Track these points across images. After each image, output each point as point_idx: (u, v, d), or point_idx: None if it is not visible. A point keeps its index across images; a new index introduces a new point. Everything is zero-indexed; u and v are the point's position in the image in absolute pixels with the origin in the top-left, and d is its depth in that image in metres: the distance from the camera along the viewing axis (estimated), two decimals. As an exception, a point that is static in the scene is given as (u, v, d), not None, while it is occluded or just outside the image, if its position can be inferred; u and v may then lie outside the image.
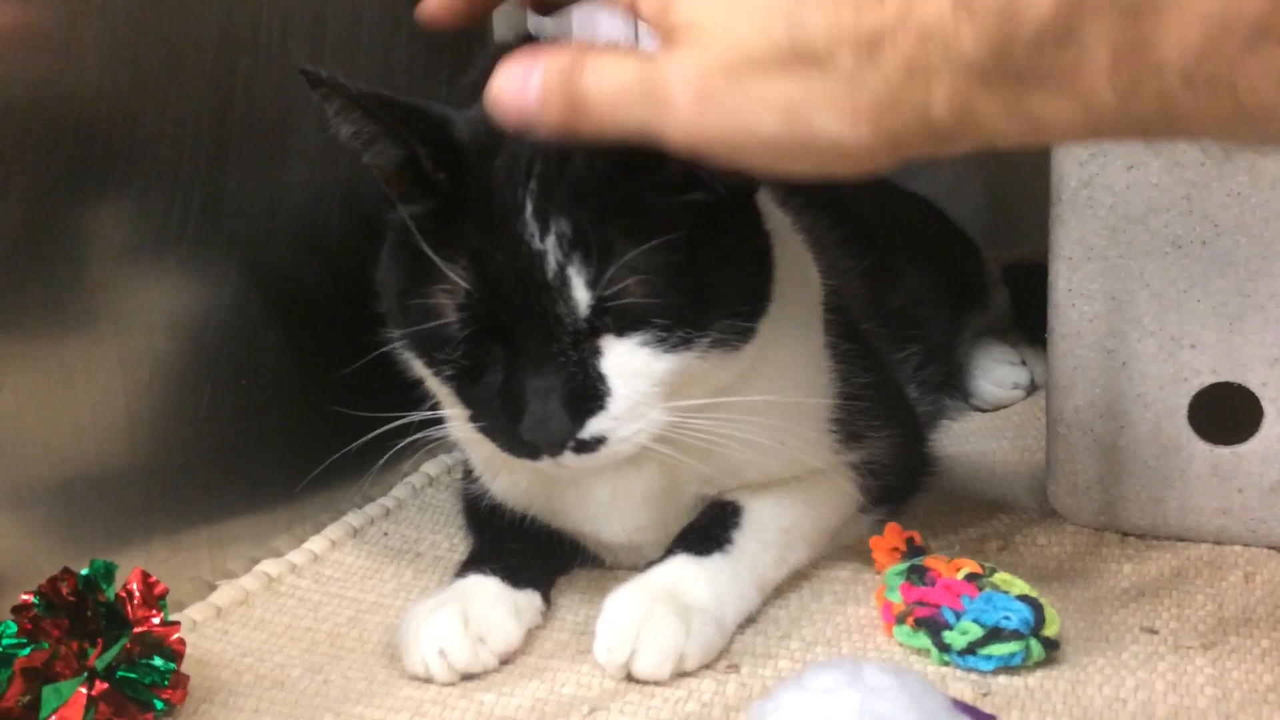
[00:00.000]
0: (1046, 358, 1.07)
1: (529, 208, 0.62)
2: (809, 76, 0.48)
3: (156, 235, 0.75)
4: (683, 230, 0.63)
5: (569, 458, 0.64)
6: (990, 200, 1.43)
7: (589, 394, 0.63)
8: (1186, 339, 0.75)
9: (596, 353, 0.63)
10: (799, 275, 0.76)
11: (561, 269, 0.62)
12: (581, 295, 0.62)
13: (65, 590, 0.61)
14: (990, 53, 0.46)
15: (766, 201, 0.74)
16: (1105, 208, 0.75)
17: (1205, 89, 0.42)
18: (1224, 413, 0.76)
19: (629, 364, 0.63)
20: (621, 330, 0.63)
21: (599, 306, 0.62)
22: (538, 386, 0.63)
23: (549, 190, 0.62)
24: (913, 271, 1.03)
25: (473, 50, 1.06)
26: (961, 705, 0.50)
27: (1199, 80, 0.42)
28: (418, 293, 0.65)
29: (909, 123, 0.48)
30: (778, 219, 0.76)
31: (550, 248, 0.61)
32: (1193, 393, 0.76)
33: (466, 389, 0.66)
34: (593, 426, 0.64)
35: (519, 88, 0.55)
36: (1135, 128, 0.46)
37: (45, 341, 0.68)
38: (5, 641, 0.59)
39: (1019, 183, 1.37)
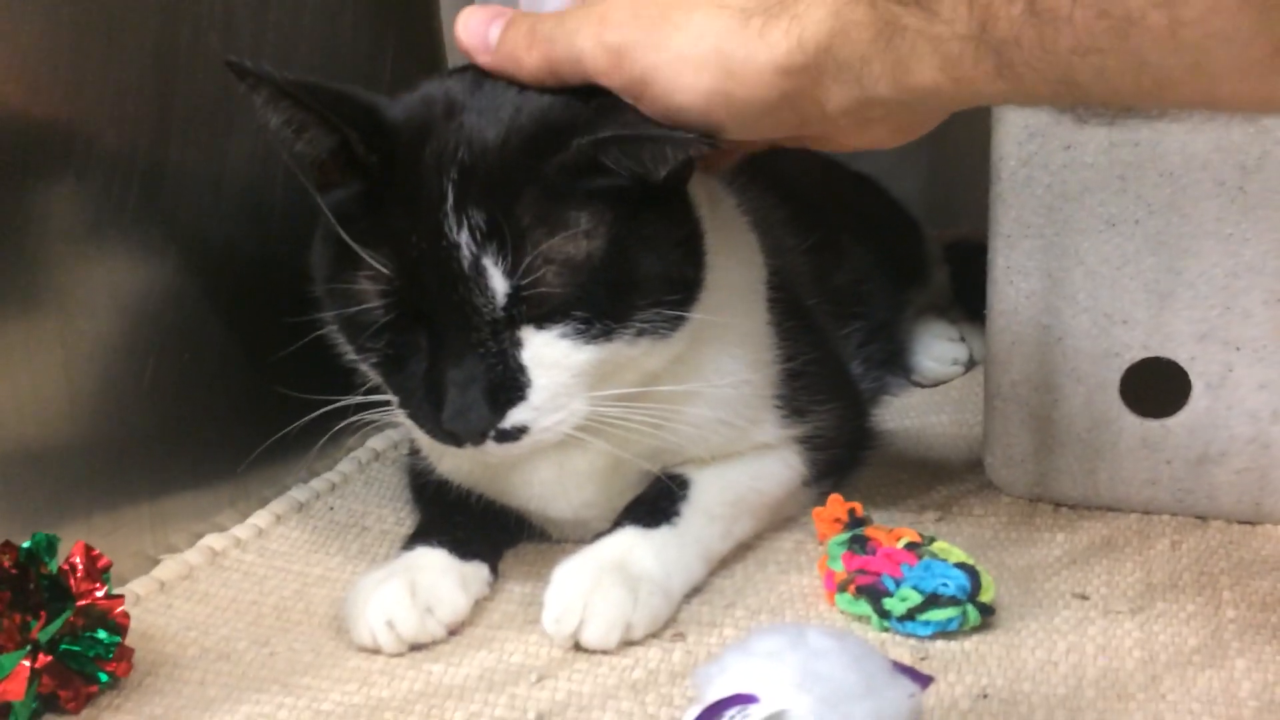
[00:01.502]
0: (985, 334, 1.11)
1: (450, 198, 0.63)
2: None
3: (97, 211, 0.74)
4: (602, 220, 0.63)
5: (491, 447, 0.65)
6: (930, 179, 1.44)
7: (509, 385, 0.64)
8: (1119, 315, 0.77)
9: (517, 344, 0.64)
10: (741, 256, 0.77)
11: (477, 260, 0.62)
12: (498, 285, 0.63)
13: (7, 563, 0.60)
14: None
15: (707, 186, 0.74)
16: (1043, 186, 0.77)
17: (1049, 21, 0.49)
18: (1154, 387, 0.79)
19: (549, 355, 0.64)
20: (541, 322, 0.64)
21: (516, 297, 0.63)
22: (457, 376, 0.64)
23: (468, 180, 0.63)
24: (856, 249, 1.05)
25: (416, 30, 1.06)
26: (900, 666, 0.51)
27: (1043, 12, 0.49)
28: (342, 277, 0.66)
29: (792, 39, 0.56)
30: (720, 200, 0.77)
31: (464, 240, 0.62)
32: (1124, 367, 0.78)
33: (392, 376, 0.67)
34: (513, 417, 0.65)
35: (482, 26, 0.65)
36: (997, 59, 0.51)
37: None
38: (-55, 615, 0.58)
39: (959, 162, 1.38)
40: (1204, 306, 0.75)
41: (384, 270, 0.63)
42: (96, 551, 0.63)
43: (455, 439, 0.65)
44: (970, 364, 1.11)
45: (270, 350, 0.80)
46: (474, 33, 0.66)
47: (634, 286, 0.65)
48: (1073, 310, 0.78)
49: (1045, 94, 0.52)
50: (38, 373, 0.70)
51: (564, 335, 0.64)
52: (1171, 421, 0.78)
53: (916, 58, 0.54)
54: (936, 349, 1.11)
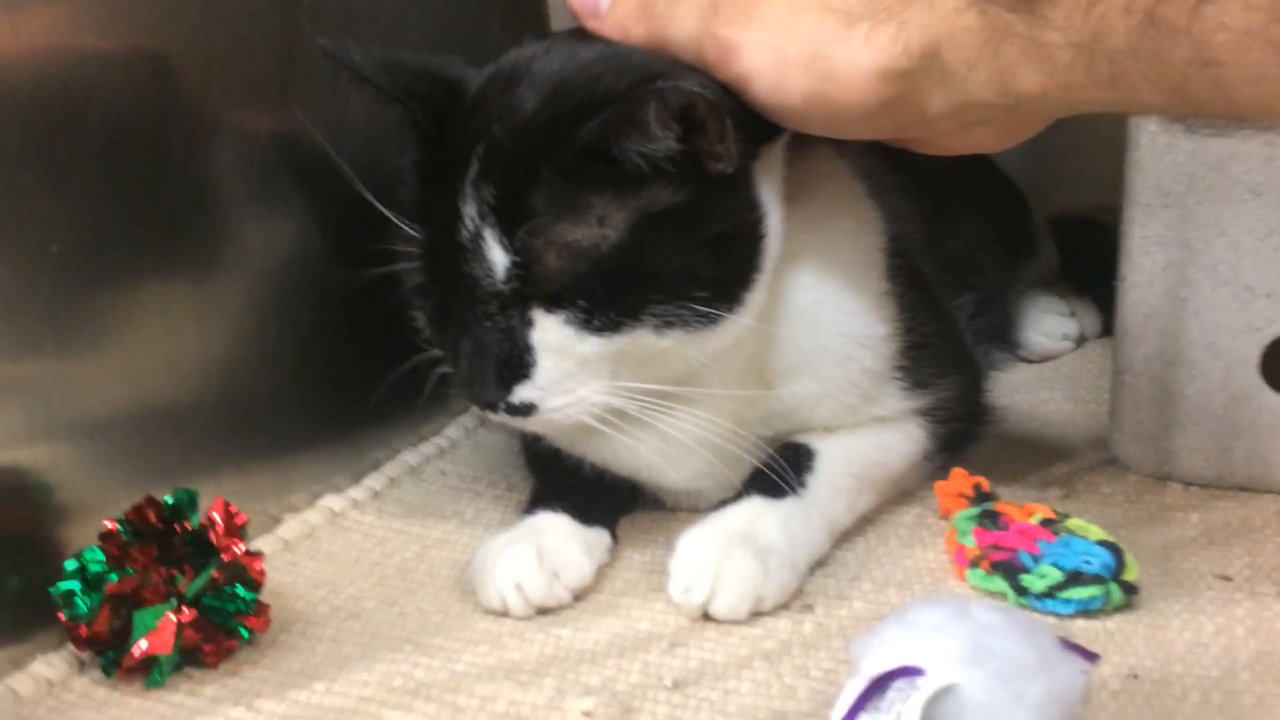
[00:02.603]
0: (1094, 309, 1.09)
1: (472, 171, 0.63)
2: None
3: (225, 175, 0.74)
4: (622, 209, 0.63)
5: (505, 417, 0.66)
6: (1031, 155, 1.41)
7: (515, 362, 0.65)
8: (1261, 288, 0.75)
9: (528, 322, 0.64)
10: (854, 226, 0.75)
11: (478, 233, 0.63)
12: (497, 259, 0.63)
13: (152, 517, 0.60)
14: None
15: (816, 160, 0.72)
16: (1184, 154, 0.74)
17: (1166, 32, 0.48)
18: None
19: (554, 340, 0.64)
20: (549, 305, 0.64)
21: (515, 274, 0.63)
22: (467, 346, 0.65)
23: (492, 155, 0.63)
24: (968, 219, 1.02)
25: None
26: (1068, 643, 0.50)
27: (1160, 23, 0.48)
28: (400, 237, 0.68)
29: (898, 44, 0.56)
30: (833, 170, 0.75)
31: (470, 213, 0.63)
32: (1265, 342, 0.76)
33: (435, 334, 0.70)
34: (519, 394, 0.65)
35: None
36: (1106, 66, 0.51)
37: (122, 279, 0.68)
38: (93, 568, 0.59)
39: (1059, 136, 1.36)
40: (1354, 280, 0.72)
41: (415, 235, 0.66)
42: (234, 508, 0.63)
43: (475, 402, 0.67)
44: (1080, 340, 1.08)
45: (387, 314, 0.81)
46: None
47: (648, 282, 0.63)
48: (1212, 282, 0.76)
49: (1158, 104, 0.53)
50: (172, 335, 0.71)
51: (568, 322, 0.64)
52: (1314, 400, 0.75)
53: (1025, 64, 0.53)
54: (1046, 324, 1.08)
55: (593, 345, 0.64)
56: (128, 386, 0.69)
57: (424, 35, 0.91)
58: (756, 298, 0.67)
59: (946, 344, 0.81)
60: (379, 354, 0.79)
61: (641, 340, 0.64)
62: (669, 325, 0.64)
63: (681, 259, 0.64)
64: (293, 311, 0.79)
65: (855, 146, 0.82)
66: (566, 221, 0.62)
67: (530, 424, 0.67)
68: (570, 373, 0.65)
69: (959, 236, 0.99)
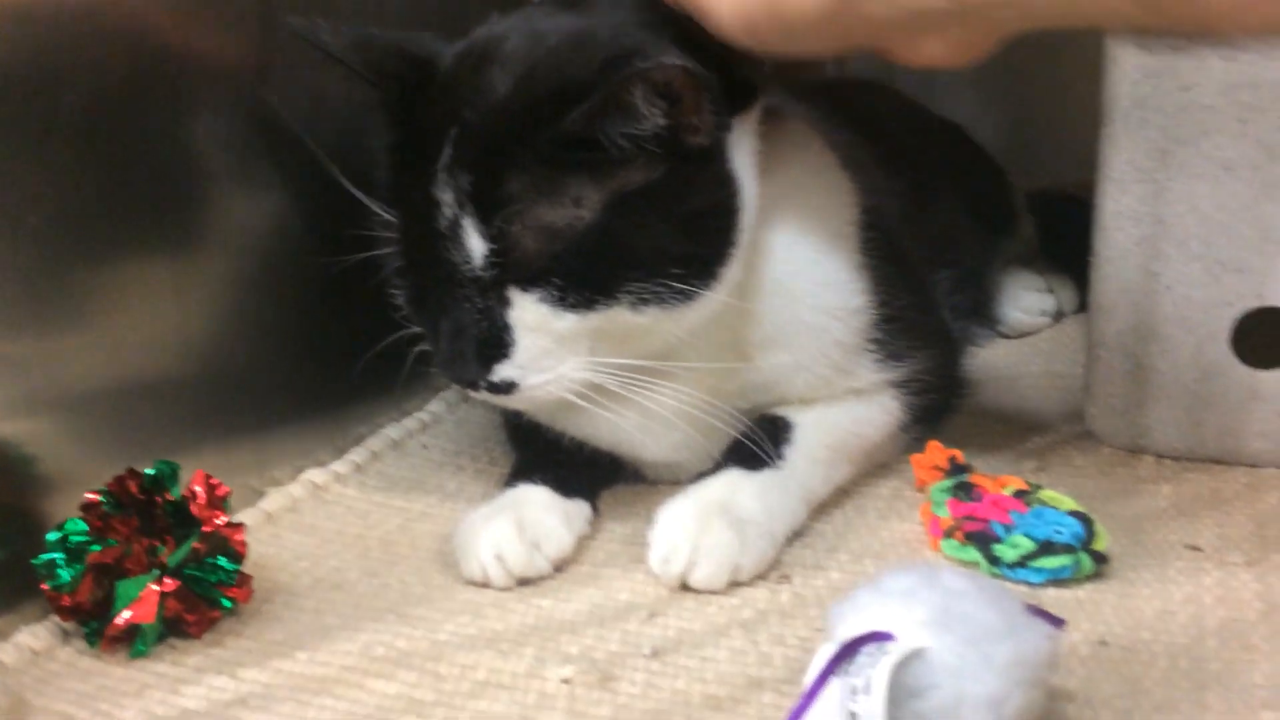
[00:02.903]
0: (1072, 285, 1.10)
1: (446, 156, 0.64)
2: None
3: (205, 150, 0.74)
4: (597, 190, 0.63)
5: (486, 395, 0.67)
6: (1010, 130, 1.42)
7: (494, 341, 0.65)
8: (1233, 263, 0.76)
9: (505, 302, 0.65)
10: (825, 200, 0.76)
11: (456, 220, 0.64)
12: (476, 247, 0.64)
13: (133, 488, 0.61)
14: None
15: (786, 132, 0.73)
16: (1157, 129, 0.75)
17: None
18: (1265, 337, 0.77)
19: (530, 318, 0.65)
20: (524, 284, 0.64)
21: (494, 260, 0.64)
22: (447, 326, 0.66)
23: (466, 139, 0.64)
24: (946, 195, 1.03)
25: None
26: (1034, 609, 0.51)
27: None
28: (377, 221, 0.68)
29: None
30: (805, 143, 0.76)
31: (447, 199, 0.64)
32: (1236, 317, 0.77)
33: (415, 314, 0.70)
34: (499, 372, 0.66)
35: None
36: None
37: (102, 252, 0.68)
38: (75, 539, 0.59)
39: (1039, 113, 1.37)
40: (1324, 255, 0.73)
41: (389, 218, 0.67)
42: (215, 480, 0.64)
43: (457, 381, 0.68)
44: (1058, 315, 1.10)
45: (370, 288, 0.81)
46: None
47: (623, 260, 0.64)
48: (1184, 257, 0.77)
49: (1127, 11, 0.50)
50: (153, 308, 0.71)
51: (543, 300, 0.64)
52: (1284, 373, 0.76)
53: None
54: (1025, 300, 1.09)
55: (568, 322, 0.65)
56: (109, 360, 0.69)
57: (402, 7, 0.90)
58: (732, 272, 0.67)
59: (921, 316, 0.82)
60: (362, 328, 0.79)
61: (618, 317, 0.65)
62: (645, 302, 0.65)
63: (656, 237, 0.65)
64: (275, 285, 0.80)
65: (833, 118, 0.83)
66: (543, 205, 0.63)
67: (511, 401, 0.68)
68: (548, 350, 0.66)
69: (938, 212, 1.00)
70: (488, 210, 0.63)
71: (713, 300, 0.67)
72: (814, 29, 0.59)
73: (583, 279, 0.64)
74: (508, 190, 0.63)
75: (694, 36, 0.64)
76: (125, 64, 0.68)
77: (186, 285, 0.73)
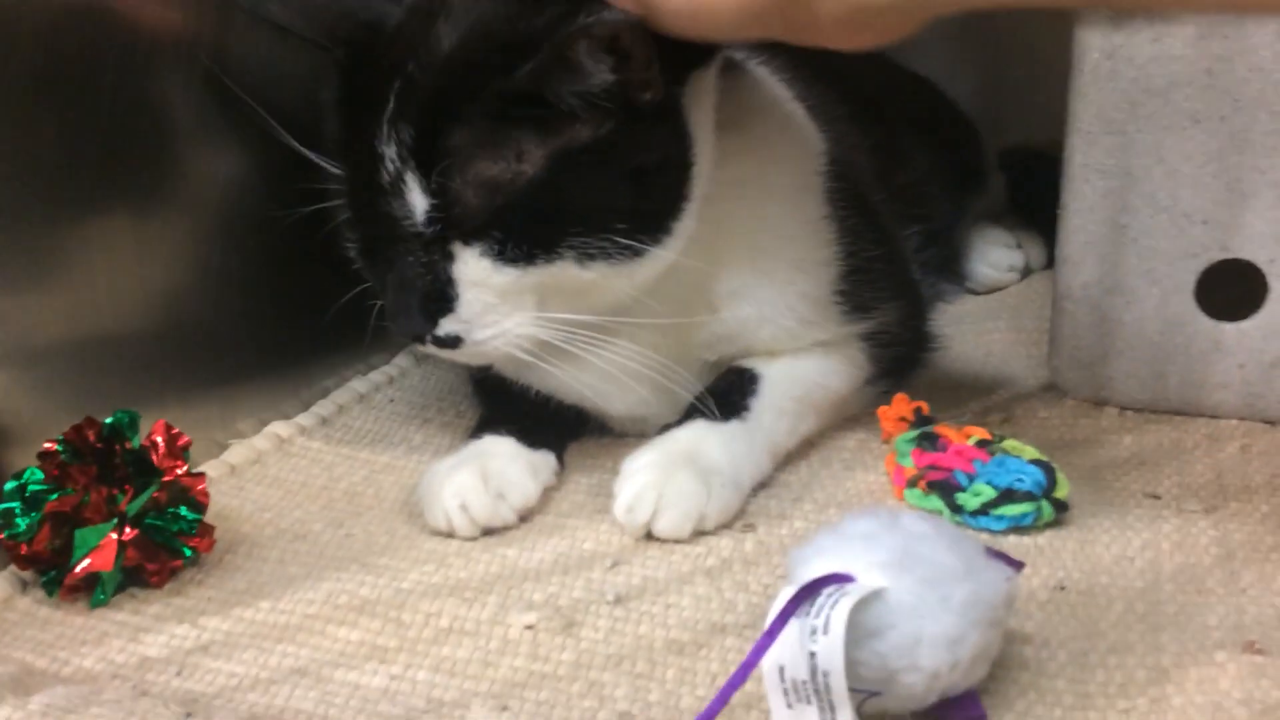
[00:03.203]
0: (1041, 241, 1.10)
1: (389, 109, 0.63)
2: None
3: (163, 103, 0.73)
4: (541, 145, 0.62)
5: (433, 349, 0.67)
6: (982, 87, 1.42)
7: (437, 295, 0.65)
8: (1199, 215, 0.76)
9: (449, 257, 0.65)
10: (791, 151, 0.75)
11: (399, 174, 0.63)
12: (418, 202, 0.63)
13: (91, 436, 0.60)
14: None
15: (751, 83, 0.72)
16: (1127, 80, 0.75)
17: None
18: (1228, 289, 0.77)
19: (473, 272, 0.65)
20: (467, 239, 0.64)
21: (436, 215, 0.63)
22: (393, 280, 0.66)
23: (409, 93, 0.63)
24: (917, 151, 1.03)
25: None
26: (993, 552, 0.51)
27: None
28: (326, 175, 0.68)
29: None
30: (771, 94, 0.75)
31: (390, 153, 0.63)
32: (1201, 269, 0.77)
33: (365, 266, 0.70)
34: (444, 326, 0.66)
35: None
36: None
37: (60, 205, 0.67)
38: (33, 487, 0.59)
39: (1009, 70, 1.37)
40: (1288, 207, 0.74)
41: (337, 172, 0.66)
42: (176, 430, 0.63)
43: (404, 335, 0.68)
44: (1026, 271, 1.10)
45: (332, 240, 0.80)
46: None
47: (565, 215, 0.64)
48: (1151, 210, 0.77)
49: None
50: (113, 262, 0.70)
51: (484, 254, 0.64)
52: (1247, 324, 0.77)
53: None
54: (993, 255, 1.10)
55: (509, 276, 0.64)
56: (69, 314, 0.68)
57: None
58: (685, 226, 0.67)
59: (889, 269, 0.82)
60: (327, 281, 0.79)
61: (565, 272, 0.65)
62: (591, 257, 0.64)
63: (600, 192, 0.64)
64: (239, 238, 0.79)
65: (801, 71, 0.82)
66: (485, 159, 0.63)
67: (459, 355, 0.68)
68: (492, 305, 0.66)
69: (908, 167, 1.00)
70: (428, 163, 0.63)
71: (662, 256, 0.66)
72: (758, 23, 0.58)
73: (524, 233, 0.63)
74: (449, 144, 0.62)
75: None
76: (81, 18, 0.67)
77: (148, 239, 0.73)
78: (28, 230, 0.65)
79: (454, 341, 0.66)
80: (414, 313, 0.66)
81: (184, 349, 0.76)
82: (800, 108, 0.78)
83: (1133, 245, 0.78)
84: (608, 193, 0.64)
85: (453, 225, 0.64)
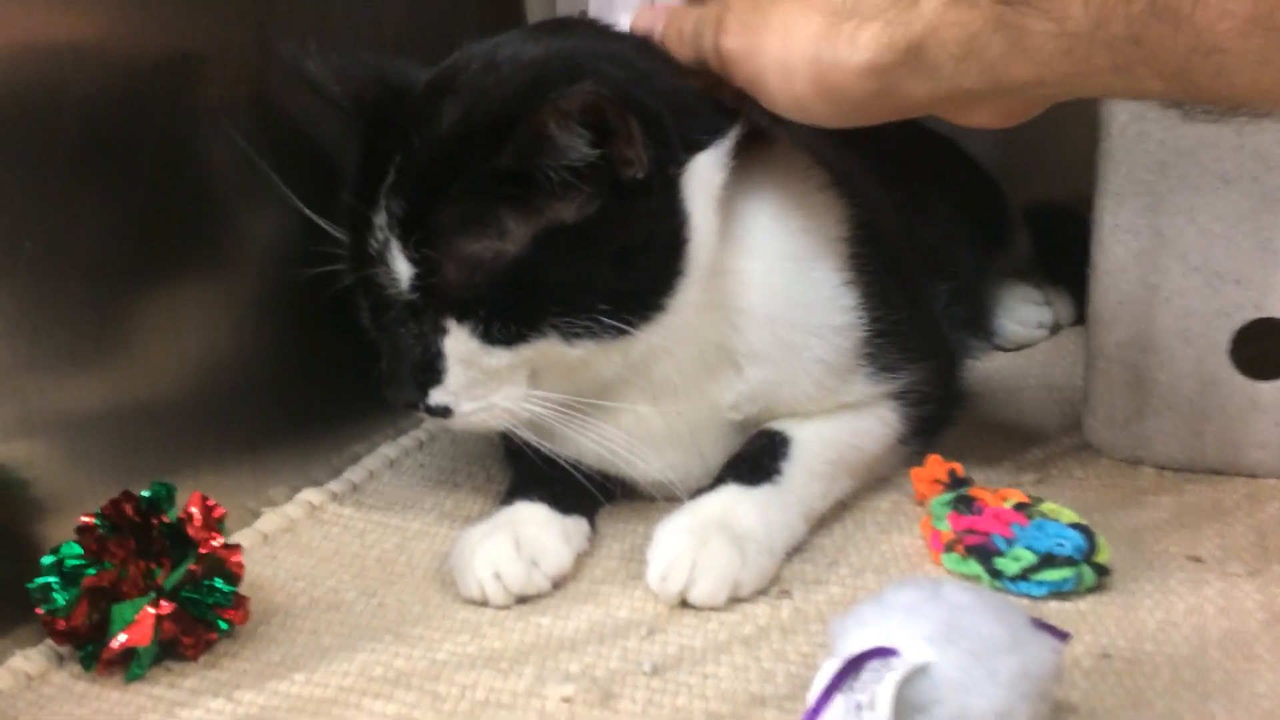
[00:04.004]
0: (1068, 297, 1.10)
1: (388, 181, 0.65)
2: (807, 3, 0.60)
3: (202, 171, 0.74)
4: (526, 224, 0.63)
5: (427, 417, 0.69)
6: (1001, 143, 1.42)
7: (427, 367, 0.67)
8: (1231, 274, 0.76)
9: (441, 330, 0.66)
10: (810, 217, 0.75)
11: (385, 244, 0.65)
12: (402, 270, 0.65)
13: (129, 510, 0.60)
14: None
15: (766, 155, 0.73)
16: (1155, 142, 0.75)
17: (1169, 20, 0.49)
18: (1264, 348, 0.77)
19: (461, 350, 0.66)
20: (459, 315, 0.65)
21: (418, 285, 0.65)
22: (389, 348, 0.68)
23: (407, 166, 0.65)
24: (943, 209, 1.03)
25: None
26: (1038, 622, 0.50)
27: (1163, 11, 0.49)
28: (331, 240, 0.71)
29: (881, 41, 0.57)
30: (788, 164, 0.75)
31: (380, 223, 0.65)
32: (1235, 328, 0.77)
33: (372, 334, 0.71)
34: (434, 397, 0.68)
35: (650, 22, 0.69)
36: (1106, 54, 0.51)
37: (98, 275, 0.67)
38: (71, 562, 0.59)
39: (1031, 126, 1.37)
40: (1321, 266, 0.73)
41: (340, 237, 0.68)
42: (211, 501, 0.63)
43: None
44: (1055, 328, 1.10)
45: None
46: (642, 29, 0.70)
47: (546, 294, 0.64)
48: (1183, 269, 0.77)
49: (1157, 89, 0.52)
50: (148, 330, 0.71)
51: (473, 333, 0.65)
52: (1283, 383, 0.76)
53: (1016, 55, 0.54)
54: (1021, 312, 1.09)
55: (498, 357, 0.65)
56: (104, 382, 0.69)
57: (401, 29, 0.90)
58: (684, 300, 0.67)
59: (917, 329, 0.81)
60: (357, 348, 0.79)
61: (551, 350, 0.65)
62: (577, 335, 0.65)
63: (580, 273, 0.64)
64: (270, 305, 0.79)
65: (824, 136, 0.83)
66: (468, 235, 0.64)
67: (450, 425, 0.69)
68: (479, 380, 0.67)
69: (934, 226, 1.00)
70: (413, 236, 0.64)
71: (656, 332, 0.66)
72: (861, 109, 0.62)
73: (507, 312, 0.64)
74: (435, 219, 0.64)
75: (678, 68, 0.66)
76: (122, 88, 0.68)
77: (184, 310, 0.73)
78: (68, 305, 0.65)
79: (444, 411, 0.68)
80: (406, 382, 0.67)
81: (218, 416, 0.76)
82: (823, 172, 0.79)
83: (1166, 305, 0.78)
84: (591, 274, 0.65)
85: (435, 298, 0.65)
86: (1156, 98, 0.57)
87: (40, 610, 0.59)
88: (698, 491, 0.72)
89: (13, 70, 0.61)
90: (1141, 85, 0.52)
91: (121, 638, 0.59)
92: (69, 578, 0.59)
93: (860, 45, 0.59)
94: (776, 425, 0.75)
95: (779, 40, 0.62)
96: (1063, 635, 0.51)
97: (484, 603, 0.67)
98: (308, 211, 0.71)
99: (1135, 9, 0.50)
